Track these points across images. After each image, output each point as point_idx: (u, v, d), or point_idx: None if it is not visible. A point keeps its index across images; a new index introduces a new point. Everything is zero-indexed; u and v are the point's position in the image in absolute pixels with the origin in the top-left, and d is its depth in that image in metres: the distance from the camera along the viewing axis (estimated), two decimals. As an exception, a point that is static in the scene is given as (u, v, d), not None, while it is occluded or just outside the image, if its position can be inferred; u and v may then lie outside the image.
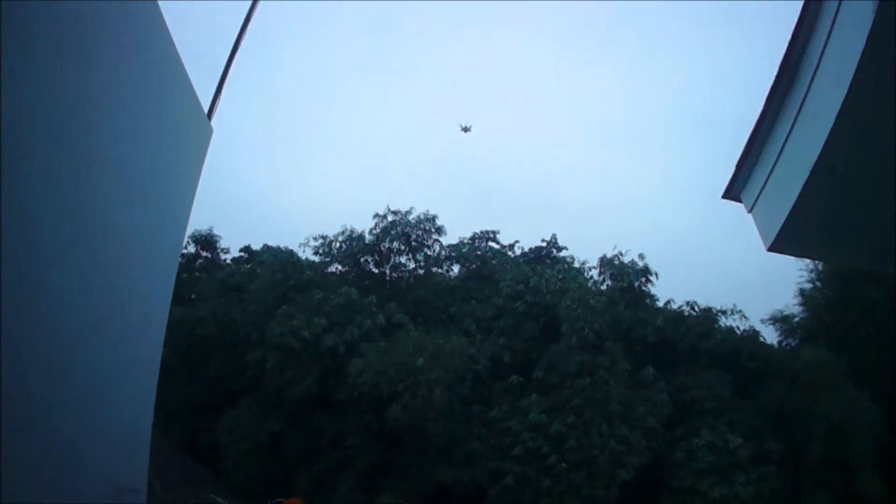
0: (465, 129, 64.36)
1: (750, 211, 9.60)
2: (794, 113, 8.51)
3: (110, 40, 5.60)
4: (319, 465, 43.29)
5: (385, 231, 53.52)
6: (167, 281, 8.13)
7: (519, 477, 40.65)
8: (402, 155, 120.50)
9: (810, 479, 41.05)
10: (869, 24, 6.70)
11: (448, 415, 42.47)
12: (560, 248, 58.00)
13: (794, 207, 8.30)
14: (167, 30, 6.77)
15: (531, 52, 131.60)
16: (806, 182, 7.93)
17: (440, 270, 56.46)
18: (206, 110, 8.85)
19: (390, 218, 53.67)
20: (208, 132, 8.70)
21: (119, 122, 5.96)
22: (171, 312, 29.64)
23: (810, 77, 8.22)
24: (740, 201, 9.86)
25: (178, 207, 8.14)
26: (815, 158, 7.70)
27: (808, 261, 48.41)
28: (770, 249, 9.26)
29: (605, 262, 51.92)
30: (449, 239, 56.07)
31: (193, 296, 50.81)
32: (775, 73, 8.81)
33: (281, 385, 43.18)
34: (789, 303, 51.67)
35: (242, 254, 56.28)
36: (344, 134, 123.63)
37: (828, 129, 7.41)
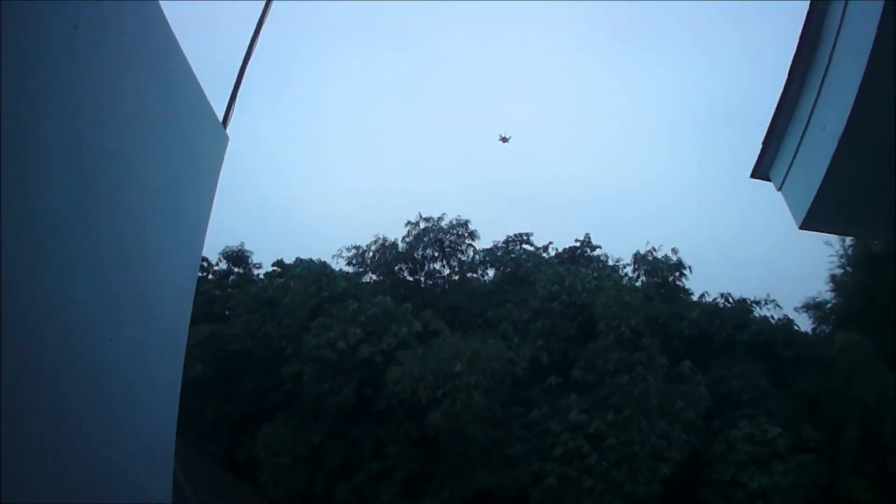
0: (504, 140, 63.18)
1: (780, 189, 9.46)
2: (818, 83, 8.38)
3: (112, 45, 5.51)
4: (360, 475, 43.10)
5: (418, 238, 53.51)
6: (186, 294, 7.98)
7: (560, 478, 40.28)
8: (434, 162, 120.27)
9: (847, 465, 40.66)
10: None
11: (488, 419, 42.18)
12: (594, 247, 57.46)
13: (823, 182, 8.15)
14: (172, 34, 6.66)
15: (553, 49, 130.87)
16: (834, 154, 7.79)
17: (475, 275, 56.32)
18: (220, 119, 8.71)
19: (422, 225, 53.69)
20: (224, 140, 8.55)
21: (128, 131, 5.85)
22: (204, 329, 29.65)
23: (832, 45, 8.07)
24: (769, 180, 9.71)
25: (194, 218, 7.98)
26: (842, 129, 7.55)
27: (837, 247, 48.21)
28: (802, 227, 9.10)
29: (638, 259, 51.96)
30: (482, 243, 56.03)
31: (227, 312, 50.88)
32: (796, 43, 8.68)
33: (318, 397, 43.12)
34: (822, 289, 51.47)
35: (275, 268, 56.22)
36: (374, 143, 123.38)
37: (853, 98, 7.27)
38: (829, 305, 51.51)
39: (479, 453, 42.28)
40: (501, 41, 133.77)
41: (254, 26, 10.15)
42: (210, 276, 55.31)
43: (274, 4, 10.32)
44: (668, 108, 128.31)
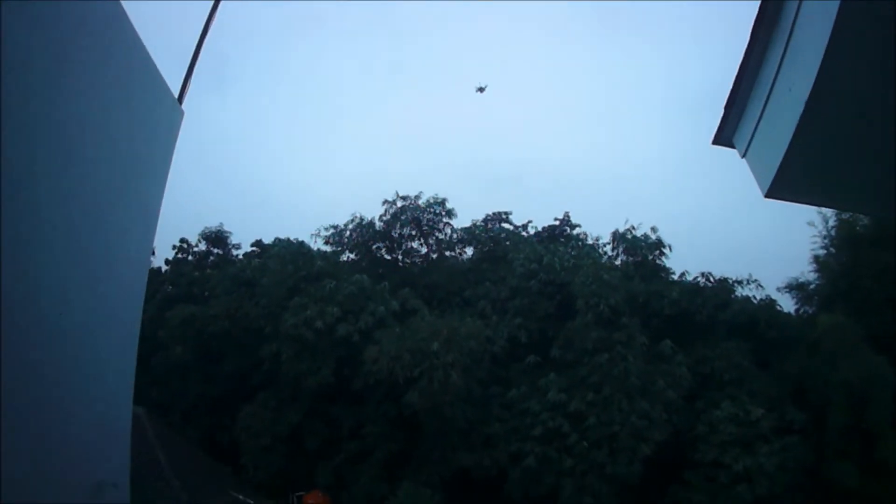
0: (481, 90, 63.50)
1: (744, 156, 9.20)
2: (784, 42, 8.11)
3: (56, 18, 5.32)
4: (339, 456, 43.15)
5: (395, 217, 53.29)
6: (141, 268, 7.79)
7: (540, 457, 40.38)
8: (414, 142, 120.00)
9: (832, 448, 40.68)
10: None
11: (466, 398, 42.29)
12: (573, 226, 57.39)
13: (790, 147, 7.86)
14: (121, 6, 6.47)
15: (538, 31, 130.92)
16: (801, 117, 7.49)
17: (453, 254, 56.25)
18: (176, 94, 8.51)
19: (400, 203, 53.38)
20: (179, 115, 8.36)
21: (77, 104, 5.66)
22: (183, 311, 29.51)
23: (796, 5, 7.84)
24: (733, 146, 9.48)
25: (149, 192, 7.80)
26: (809, 90, 7.28)
27: (821, 227, 48.27)
28: (767, 196, 8.83)
29: (617, 237, 51.85)
30: (461, 222, 55.91)
31: (207, 293, 50.64)
32: (759, 2, 8.45)
33: (297, 377, 43.03)
34: (804, 270, 51.60)
35: (254, 248, 55.96)
36: (352, 125, 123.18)
37: (821, 56, 6.99)
38: (812, 286, 51.85)
39: (457, 433, 42.32)
40: (487, 23, 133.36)
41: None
42: (189, 258, 55.12)
43: None
44: (652, 91, 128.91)
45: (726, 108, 9.20)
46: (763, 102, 8.55)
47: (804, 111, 7.39)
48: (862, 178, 8.71)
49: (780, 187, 8.56)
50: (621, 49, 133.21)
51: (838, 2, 6.55)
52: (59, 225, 5.38)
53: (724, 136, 9.44)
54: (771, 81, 8.36)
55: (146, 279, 7.89)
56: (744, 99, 8.99)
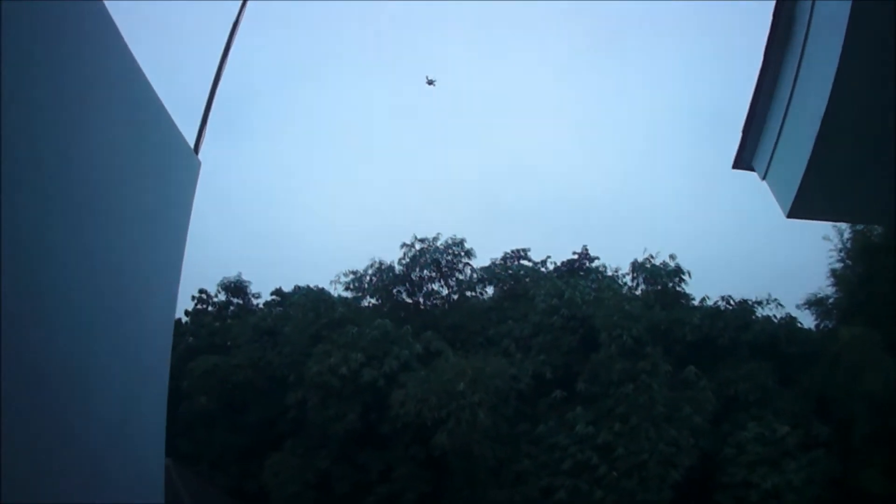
0: (430, 83, 64.12)
1: (763, 178, 9.34)
2: (794, 70, 8.26)
3: (73, 75, 5.45)
4: (369, 499, 42.90)
5: (414, 260, 53.38)
6: (167, 319, 7.88)
7: (571, 490, 40.19)
8: (431, 184, 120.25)
9: (858, 458, 40.45)
10: None
11: (494, 436, 42.15)
12: (592, 259, 57.57)
13: (808, 167, 8.03)
14: (135, 60, 6.58)
15: (545, 66, 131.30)
16: (817, 138, 7.67)
17: (474, 294, 56.09)
18: (192, 145, 8.63)
19: (418, 246, 53.61)
20: (196, 165, 8.47)
21: (94, 159, 5.77)
22: (206, 361, 29.58)
23: (806, 25, 7.95)
24: (752, 169, 9.58)
25: (170, 243, 7.88)
26: (822, 111, 7.43)
27: (836, 240, 48.28)
28: (790, 216, 9.00)
29: (637, 267, 51.79)
30: (480, 261, 55.89)
31: (228, 343, 50.75)
32: (770, 24, 8.56)
33: (323, 423, 43.01)
34: (822, 285, 51.41)
35: (274, 297, 56.21)
36: (370, 167, 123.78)
37: (832, 78, 7.14)
38: (830, 300, 51.40)
39: (487, 471, 42.20)
40: (496, 63, 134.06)
41: (220, 53, 10.11)
42: (210, 308, 55.31)
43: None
44: (661, 115, 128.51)
45: (744, 132, 9.35)
46: (780, 124, 8.72)
47: (820, 130, 7.56)
48: (880, 191, 8.80)
49: (802, 207, 8.71)
50: (624, 70, 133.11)
51: (846, 22, 6.66)
52: (83, 284, 5.48)
53: (743, 160, 9.61)
54: (786, 103, 8.53)
55: (172, 331, 8.00)
56: (760, 122, 9.16)
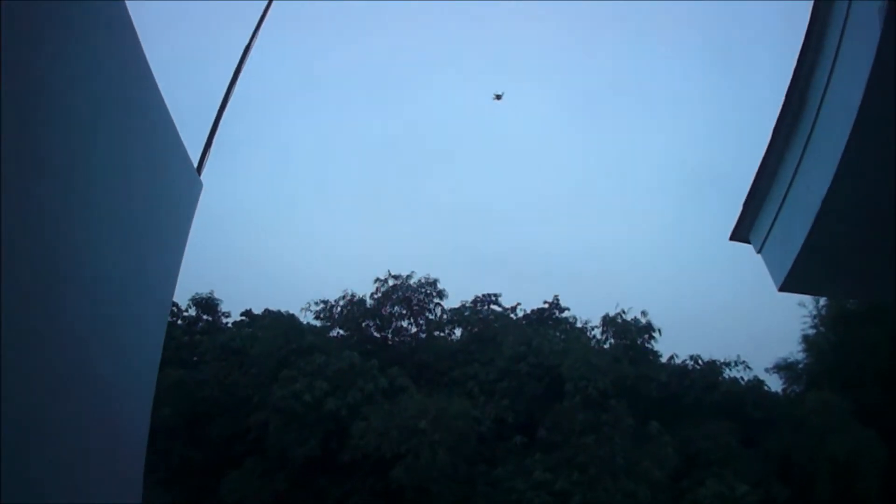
0: (498, 97, 65.00)
1: (759, 251, 9.53)
2: (801, 149, 8.48)
3: (90, 83, 5.56)
4: (325, 525, 42.66)
5: (386, 295, 53.57)
6: (156, 340, 7.90)
7: (526, 534, 40.13)
8: (405, 221, 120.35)
9: (817, 520, 40.66)
10: (872, 56, 6.71)
11: (452, 475, 42.15)
12: (562, 309, 57.48)
13: (805, 243, 8.24)
14: (152, 76, 6.71)
15: (530, 114, 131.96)
16: (815, 219, 7.88)
17: (442, 334, 56.11)
18: (196, 164, 8.77)
19: (391, 282, 53.80)
20: (198, 187, 8.61)
21: (104, 174, 5.86)
22: (172, 374, 29.37)
23: (815, 111, 8.21)
24: (748, 242, 9.80)
25: (166, 263, 7.96)
26: (823, 194, 7.65)
27: (811, 307, 48.92)
28: (782, 289, 9.19)
29: (607, 321, 52.07)
30: (451, 303, 55.93)
31: (195, 358, 50.58)
32: (780, 107, 8.81)
33: (284, 447, 43.00)
34: (793, 350, 52.04)
35: (244, 318, 56.01)
36: (346, 200, 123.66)
37: (836, 164, 7.38)
38: (800, 365, 52.18)
39: (443, 509, 42.06)
40: (478, 106, 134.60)
41: (230, 75, 10.31)
42: (179, 322, 54.96)
43: (252, 55, 10.49)
44: (644, 172, 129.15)
45: (745, 205, 9.60)
46: (780, 201, 8.95)
47: (820, 210, 7.79)
48: (874, 270, 9.06)
49: (794, 281, 8.97)
50: (612, 128, 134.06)
51: (857, 106, 6.96)
52: (79, 291, 5.56)
53: (741, 233, 9.82)
54: (789, 181, 8.77)
55: (162, 345, 8.08)
56: (761, 198, 9.39)
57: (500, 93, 65.47)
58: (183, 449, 44.71)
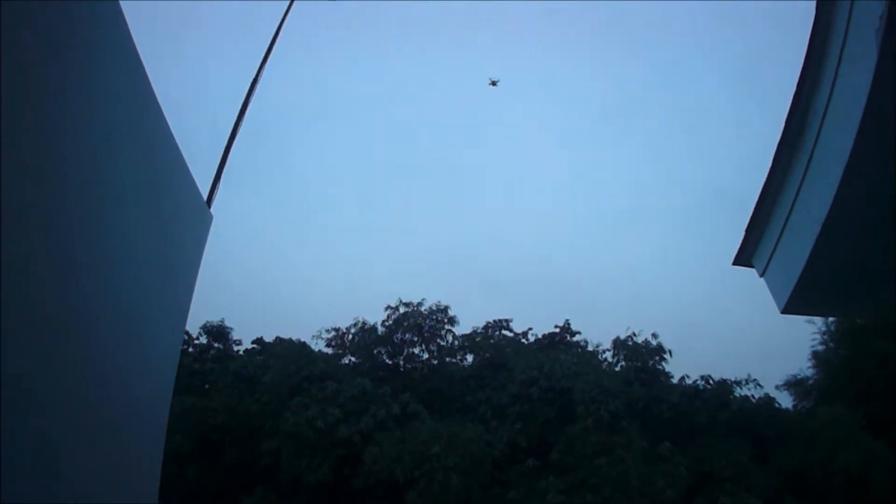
0: (493, 83, 65.24)
1: (762, 275, 9.60)
2: (802, 172, 8.56)
3: (100, 116, 5.66)
4: (337, 552, 42.56)
5: (397, 323, 53.70)
6: (169, 370, 7.93)
7: (540, 557, 39.99)
8: (414, 247, 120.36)
9: (829, 533, 40.50)
10: (870, 79, 6.80)
11: (466, 499, 42.00)
12: (573, 333, 57.74)
13: (806, 266, 8.30)
14: (161, 110, 6.81)
15: (538, 135, 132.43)
16: (816, 242, 7.95)
17: (454, 360, 56.13)
18: (204, 197, 8.88)
19: (402, 310, 54.01)
20: (208, 219, 8.72)
21: (114, 207, 5.92)
22: (184, 401, 29.30)
23: (816, 132, 8.30)
24: (752, 266, 9.87)
25: (178, 295, 8.01)
26: (824, 217, 7.72)
27: (819, 324, 48.91)
28: (784, 312, 9.25)
29: (618, 344, 52.36)
30: (462, 329, 56.06)
31: (207, 385, 50.66)
32: (780, 132, 8.91)
33: (297, 473, 42.87)
34: (803, 366, 52.20)
35: (255, 345, 56.21)
36: (354, 227, 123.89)
37: (835, 187, 7.46)
38: (810, 381, 52.15)
39: (457, 533, 41.93)
40: (486, 129, 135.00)
41: (238, 107, 10.46)
42: (190, 350, 55.03)
43: (260, 86, 10.63)
44: (652, 193, 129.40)
45: (747, 231, 9.68)
46: (781, 226, 9.04)
47: (820, 233, 7.88)
48: (874, 291, 9.13)
49: (796, 303, 9.05)
50: (619, 149, 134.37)
51: (856, 129, 7.06)
52: (91, 328, 5.62)
53: (744, 258, 9.91)
54: (790, 206, 8.86)
55: (174, 377, 8.12)
56: (763, 222, 9.47)
57: (495, 79, 65.72)
58: (196, 475, 44.67)
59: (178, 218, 7.56)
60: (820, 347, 51.13)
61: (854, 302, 10.08)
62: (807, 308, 10.79)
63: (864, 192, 7.43)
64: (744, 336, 79.32)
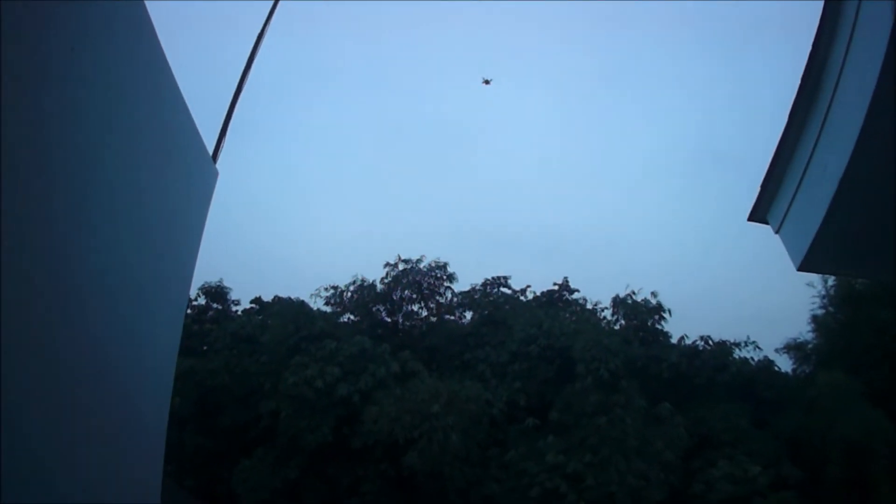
0: (487, 82, 64.97)
1: (777, 231, 9.44)
2: (818, 127, 8.38)
3: (107, 71, 5.50)
4: (337, 512, 42.73)
5: (396, 280, 53.64)
6: (174, 329, 7.76)
7: (538, 517, 40.14)
8: (415, 204, 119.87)
9: (829, 501, 40.85)
10: (888, 31, 6.62)
11: (465, 459, 42.30)
12: (572, 291, 57.43)
13: (823, 223, 8.14)
14: (167, 64, 6.62)
15: (538, 94, 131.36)
16: (834, 197, 7.78)
17: (453, 318, 56.30)
18: (210, 152, 8.68)
19: (401, 267, 53.91)
20: (214, 175, 8.53)
21: (121, 161, 5.79)
22: (182, 363, 29.03)
23: (833, 88, 8.11)
24: (767, 223, 9.71)
25: (184, 251, 7.87)
26: (842, 172, 7.55)
27: (819, 287, 48.76)
28: (800, 269, 9.09)
29: (618, 302, 52.28)
30: (461, 286, 56.06)
31: (205, 347, 50.54)
32: (797, 86, 8.72)
33: (295, 434, 42.99)
34: (803, 330, 52.09)
35: (253, 305, 55.93)
36: (356, 183, 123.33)
37: (854, 138, 7.29)
38: (810, 345, 52.13)
39: (455, 493, 42.18)
40: (487, 88, 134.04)
41: (244, 61, 10.21)
42: (189, 311, 54.91)
43: (265, 41, 10.39)
44: (652, 153, 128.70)
45: (762, 186, 9.50)
46: (798, 181, 8.85)
47: (837, 189, 7.70)
48: (890, 250, 8.95)
49: (813, 261, 8.87)
50: (620, 108, 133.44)
51: (873, 86, 6.86)
52: (96, 281, 5.50)
53: (759, 214, 9.72)
54: (806, 161, 8.67)
55: (180, 335, 7.97)
56: (779, 178, 9.29)
57: (488, 78, 65.35)
58: (195, 437, 44.76)
59: (183, 174, 7.46)
60: (819, 311, 51.12)
61: (872, 261, 9.94)
62: (824, 265, 10.68)
63: (882, 147, 7.30)
64: (743, 297, 79.50)
